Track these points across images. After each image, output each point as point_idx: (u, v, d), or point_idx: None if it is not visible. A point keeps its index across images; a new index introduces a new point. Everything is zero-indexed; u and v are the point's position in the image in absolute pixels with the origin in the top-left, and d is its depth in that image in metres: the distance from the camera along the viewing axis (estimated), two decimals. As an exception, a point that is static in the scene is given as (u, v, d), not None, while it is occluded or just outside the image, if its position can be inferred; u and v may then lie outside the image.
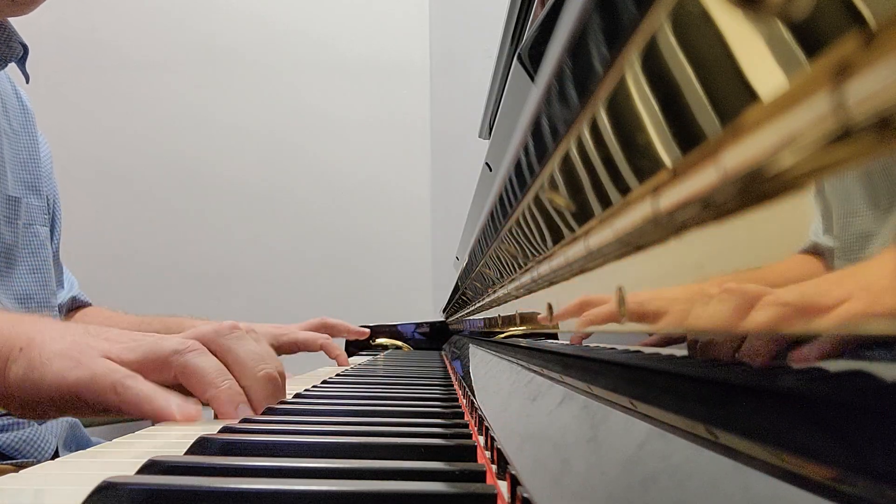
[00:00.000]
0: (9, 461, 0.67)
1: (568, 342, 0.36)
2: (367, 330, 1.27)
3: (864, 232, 0.11)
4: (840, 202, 0.11)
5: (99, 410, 0.48)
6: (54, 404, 0.47)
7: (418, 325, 1.55)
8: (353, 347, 1.44)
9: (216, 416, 0.48)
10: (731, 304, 0.16)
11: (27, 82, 0.91)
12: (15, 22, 0.82)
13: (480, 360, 0.69)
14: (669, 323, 0.19)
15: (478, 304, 0.85)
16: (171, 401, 0.45)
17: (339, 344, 1.11)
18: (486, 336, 0.79)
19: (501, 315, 0.62)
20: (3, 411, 0.70)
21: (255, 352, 0.50)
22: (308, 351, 1.08)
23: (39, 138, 0.91)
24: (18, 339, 0.48)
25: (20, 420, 0.70)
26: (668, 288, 0.19)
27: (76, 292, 1.04)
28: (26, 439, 0.68)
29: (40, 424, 0.73)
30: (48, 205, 0.91)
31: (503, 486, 0.26)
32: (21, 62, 0.87)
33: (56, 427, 0.75)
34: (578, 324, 0.30)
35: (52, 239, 0.95)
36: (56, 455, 0.72)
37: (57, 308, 0.92)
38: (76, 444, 0.80)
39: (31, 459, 0.68)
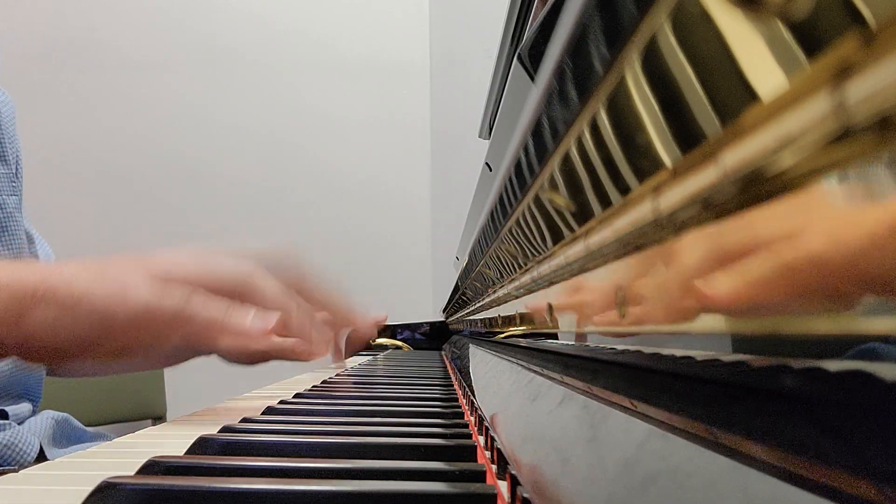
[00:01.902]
0: None
1: (568, 342, 0.36)
2: (385, 314, 1.18)
3: (863, 232, 0.11)
4: (840, 203, 0.11)
5: (156, 341, 0.43)
6: (99, 342, 0.43)
7: (418, 325, 1.55)
8: (353, 347, 1.43)
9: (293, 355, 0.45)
10: (732, 303, 0.16)
11: None
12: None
13: (480, 360, 0.69)
14: (669, 323, 0.19)
15: (478, 304, 0.85)
16: (244, 317, 0.42)
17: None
18: (486, 336, 0.79)
19: (501, 315, 0.62)
20: None
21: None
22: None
23: (2, 95, 0.80)
24: (32, 285, 0.42)
25: (2, 422, 0.66)
26: (668, 288, 0.19)
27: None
28: (7, 443, 0.63)
29: (20, 424, 0.69)
30: (14, 171, 0.80)
31: (503, 486, 0.26)
32: None
33: (39, 426, 0.71)
34: (577, 320, 0.30)
35: (19, 207, 0.83)
36: (41, 454, 0.68)
37: None
38: (66, 438, 0.77)
39: (11, 467, 0.64)
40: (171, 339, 0.43)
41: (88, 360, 0.45)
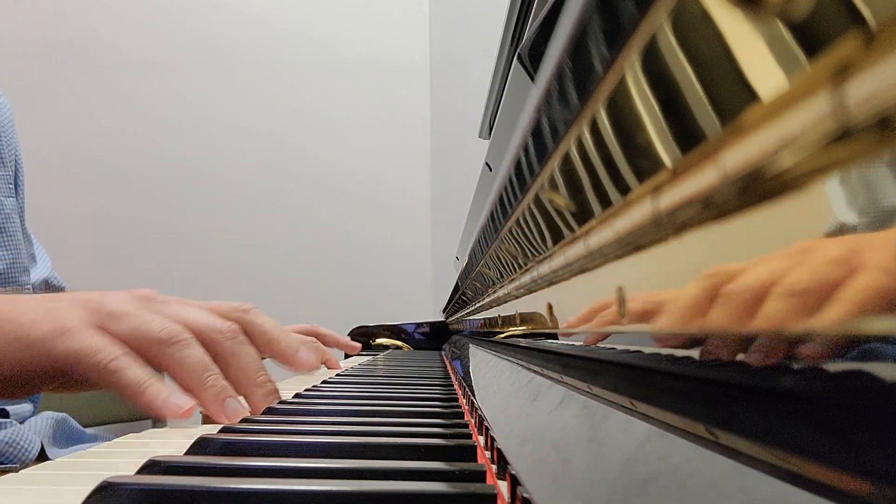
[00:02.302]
0: None
1: (568, 342, 0.36)
2: (359, 345, 1.22)
3: (864, 232, 0.11)
4: (840, 202, 0.11)
5: (84, 385, 0.45)
6: (42, 379, 0.44)
7: (418, 325, 1.55)
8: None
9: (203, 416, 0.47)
10: (731, 303, 0.16)
11: None
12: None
13: (480, 360, 0.69)
14: (669, 323, 0.19)
15: (478, 304, 0.85)
16: (161, 394, 0.43)
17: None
18: (486, 336, 0.79)
19: (501, 315, 0.62)
20: None
21: (256, 359, 0.49)
22: None
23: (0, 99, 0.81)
24: None
25: (1, 420, 0.67)
26: (668, 287, 0.19)
27: (49, 274, 0.93)
28: (8, 441, 0.65)
29: (21, 423, 0.70)
30: (12, 173, 0.81)
31: (503, 486, 0.26)
32: None
33: (39, 425, 0.72)
34: (579, 321, 0.30)
35: (17, 208, 0.84)
36: (42, 453, 0.69)
37: (30, 287, 0.83)
38: (66, 438, 0.77)
39: (13, 465, 0.65)
40: (91, 386, 0.44)
41: (56, 387, 0.46)
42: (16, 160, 0.82)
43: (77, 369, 0.43)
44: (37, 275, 0.89)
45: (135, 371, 0.43)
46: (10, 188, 0.79)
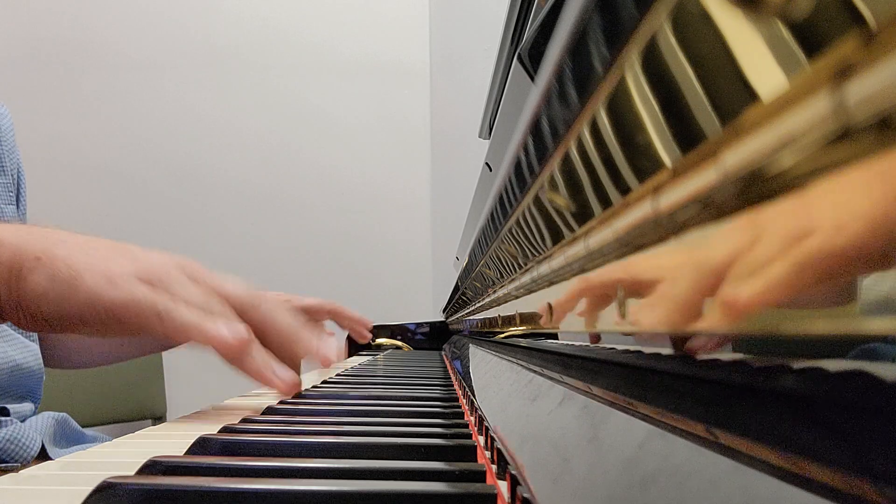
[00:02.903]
0: None
1: (568, 342, 0.36)
2: (369, 335, 1.24)
3: (864, 232, 0.11)
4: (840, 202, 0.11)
5: (135, 332, 0.46)
6: (81, 319, 0.45)
7: (418, 325, 1.55)
8: (353, 347, 1.44)
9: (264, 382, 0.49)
10: (731, 303, 0.16)
11: None
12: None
13: (480, 360, 0.69)
14: (669, 323, 0.19)
15: (478, 304, 0.85)
16: (219, 325, 0.45)
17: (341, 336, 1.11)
18: (487, 336, 0.79)
19: (501, 315, 0.62)
20: None
21: (290, 321, 0.52)
22: (315, 318, 1.06)
23: (0, 109, 0.82)
24: (33, 248, 0.45)
25: (3, 419, 0.68)
26: (668, 287, 0.19)
27: None
28: (10, 438, 0.65)
29: (22, 422, 0.71)
30: (14, 182, 0.82)
31: (503, 486, 0.26)
32: None
33: (41, 424, 0.72)
34: (577, 320, 0.30)
35: (18, 216, 0.85)
36: (43, 451, 0.70)
37: None
38: (66, 439, 0.78)
39: (15, 463, 0.65)
40: (147, 333, 0.46)
41: (76, 334, 0.47)
42: (18, 170, 0.83)
43: (131, 316, 0.45)
44: None
45: (189, 314, 0.45)
46: (10, 196, 0.80)
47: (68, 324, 0.46)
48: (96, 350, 0.82)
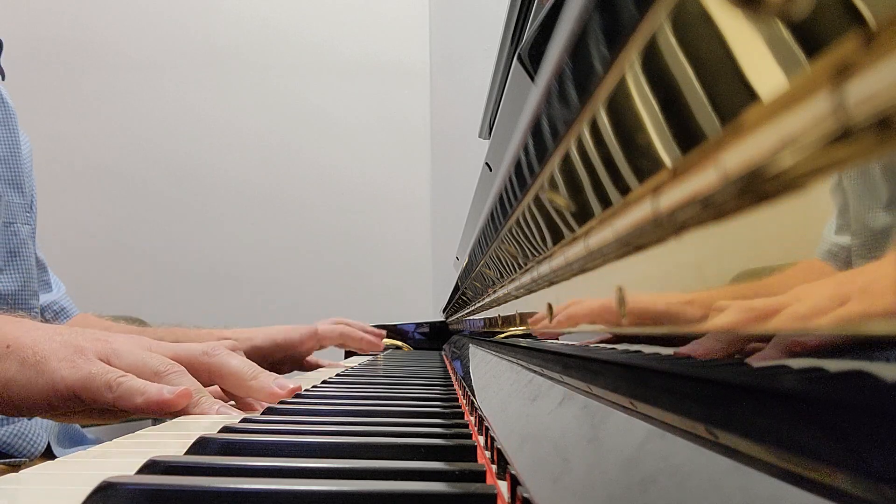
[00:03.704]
0: (2, 459, 0.67)
1: (568, 342, 0.36)
2: (381, 343, 1.23)
3: (866, 233, 0.11)
4: (841, 202, 0.11)
5: (93, 410, 0.50)
6: (48, 403, 0.48)
7: (418, 325, 1.55)
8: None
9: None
10: (731, 303, 0.16)
11: (3, 79, 0.88)
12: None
13: (480, 360, 0.69)
14: (669, 323, 0.19)
15: (478, 304, 0.85)
16: (162, 388, 0.48)
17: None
18: (486, 336, 0.79)
19: (501, 315, 0.62)
20: None
21: (245, 364, 0.55)
22: (329, 344, 1.08)
23: (21, 135, 0.88)
24: (4, 336, 0.49)
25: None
26: (668, 287, 0.19)
27: (61, 297, 0.99)
28: (17, 433, 0.68)
29: (29, 419, 0.72)
30: (30, 203, 0.88)
31: (503, 486, 0.26)
32: None
33: (47, 422, 0.75)
34: (577, 320, 0.30)
35: (31, 234, 0.91)
36: (49, 450, 0.72)
37: (39, 311, 0.89)
38: (69, 439, 0.80)
39: (23, 458, 0.68)
40: (100, 404, 0.49)
41: (60, 414, 0.51)
42: (32, 191, 0.89)
43: (86, 391, 0.48)
44: (48, 298, 0.94)
45: (137, 381, 0.48)
46: (27, 216, 0.86)
47: (35, 409, 0.49)
48: None
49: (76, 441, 0.81)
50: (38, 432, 0.70)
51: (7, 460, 0.67)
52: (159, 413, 0.48)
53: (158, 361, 0.51)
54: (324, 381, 0.69)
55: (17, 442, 0.67)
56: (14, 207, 0.84)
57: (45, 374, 0.48)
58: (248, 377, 0.54)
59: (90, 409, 0.50)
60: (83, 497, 0.23)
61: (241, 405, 0.55)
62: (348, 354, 1.40)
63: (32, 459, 0.69)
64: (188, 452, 0.31)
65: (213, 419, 0.47)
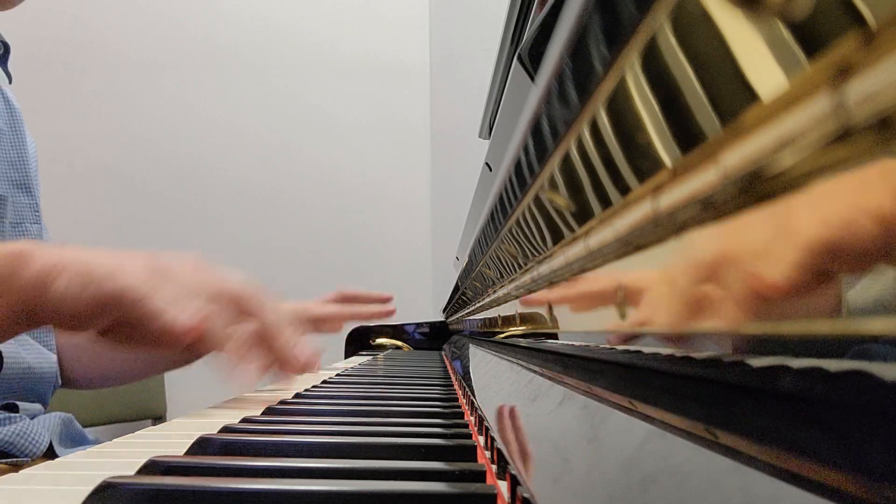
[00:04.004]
0: (3, 459, 0.67)
1: (568, 342, 0.36)
2: (391, 295, 1.18)
3: (862, 231, 0.11)
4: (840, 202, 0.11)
5: (123, 323, 0.53)
6: (91, 313, 0.52)
7: (418, 325, 1.55)
8: (354, 347, 1.44)
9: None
10: (731, 303, 0.16)
11: (10, 82, 0.90)
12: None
13: (480, 360, 0.69)
14: (669, 323, 0.19)
15: (478, 304, 0.85)
16: (178, 316, 0.51)
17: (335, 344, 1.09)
18: (486, 336, 0.79)
19: (501, 315, 0.62)
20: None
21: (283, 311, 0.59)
22: (330, 331, 1.03)
23: (28, 138, 0.89)
24: (60, 259, 0.52)
25: (12, 415, 0.71)
26: (668, 288, 0.19)
27: None
28: (19, 433, 0.69)
29: (32, 419, 0.73)
30: (38, 203, 0.90)
31: (503, 486, 0.26)
32: (2, 61, 0.86)
33: (49, 422, 0.76)
34: (577, 320, 0.30)
35: (40, 234, 0.94)
36: (50, 449, 0.72)
37: None
38: (71, 439, 0.81)
39: (25, 458, 0.68)
40: (125, 319, 0.52)
41: (100, 333, 0.54)
42: (37, 194, 0.91)
43: (120, 304, 0.51)
44: None
45: (159, 303, 0.52)
46: (36, 216, 0.88)
47: (85, 318, 0.52)
48: (111, 373, 0.90)
49: (78, 441, 0.82)
50: (41, 432, 0.71)
51: (9, 460, 0.68)
52: (176, 342, 0.52)
53: (193, 290, 0.54)
54: (324, 381, 0.69)
55: (20, 441, 0.68)
56: (23, 208, 0.86)
57: (91, 284, 0.51)
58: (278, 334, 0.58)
59: (130, 329, 0.53)
60: (83, 497, 0.23)
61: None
62: (348, 354, 1.41)
63: (34, 459, 0.69)
64: (188, 452, 0.31)
65: (213, 419, 0.47)
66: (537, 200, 0.34)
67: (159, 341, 0.53)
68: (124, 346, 0.56)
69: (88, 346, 0.88)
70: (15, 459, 0.67)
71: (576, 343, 0.34)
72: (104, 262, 0.53)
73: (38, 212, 0.89)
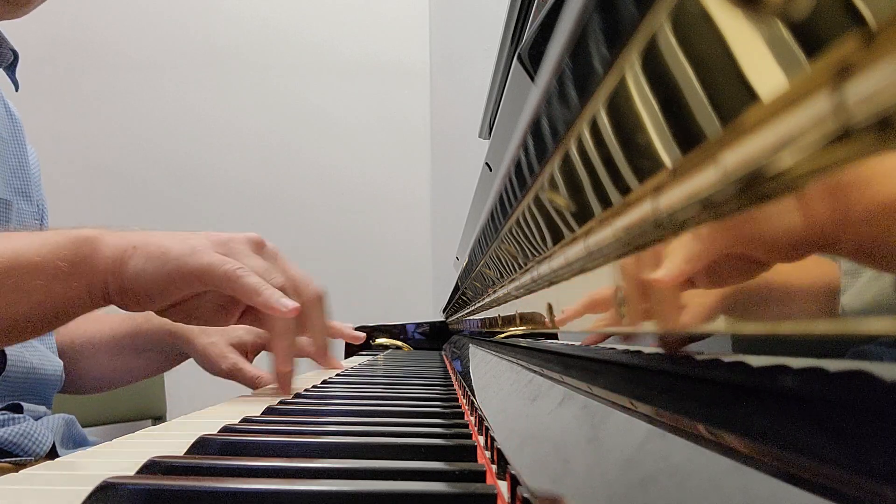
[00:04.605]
0: (6, 458, 0.68)
1: (568, 342, 0.36)
2: (363, 335, 1.21)
3: (862, 231, 0.11)
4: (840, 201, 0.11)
5: (208, 294, 0.57)
6: (174, 288, 0.56)
7: (418, 325, 1.55)
8: (353, 347, 1.43)
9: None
10: (731, 303, 0.16)
11: (16, 90, 0.90)
12: (11, 25, 0.82)
13: (480, 360, 0.69)
14: (669, 323, 0.19)
15: (478, 304, 0.85)
16: (275, 294, 0.56)
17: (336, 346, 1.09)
18: (486, 336, 0.79)
19: (501, 315, 0.62)
20: (3, 405, 0.71)
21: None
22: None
23: (28, 147, 0.91)
24: (130, 241, 0.56)
25: (16, 416, 0.72)
26: (668, 288, 0.19)
27: None
28: (23, 433, 0.70)
29: (36, 420, 0.74)
30: (39, 211, 0.92)
31: (503, 486, 0.26)
32: (10, 70, 0.87)
33: (52, 423, 0.76)
34: (577, 320, 0.30)
35: None
36: (53, 451, 0.73)
37: None
38: (73, 441, 0.81)
39: (28, 458, 0.69)
40: (221, 290, 0.56)
41: (162, 309, 0.58)
42: (42, 203, 0.94)
43: (207, 278, 0.55)
44: None
45: (254, 278, 0.56)
46: (36, 222, 0.90)
47: (164, 294, 0.56)
48: (109, 375, 0.93)
49: (79, 443, 0.82)
50: (44, 433, 0.72)
51: (11, 459, 0.68)
52: (269, 308, 0.55)
53: (266, 269, 0.58)
54: (324, 381, 0.69)
55: (23, 442, 0.69)
56: (24, 215, 0.87)
57: (170, 262, 0.55)
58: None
59: (208, 302, 0.58)
60: (83, 497, 0.23)
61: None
62: (348, 354, 1.40)
63: (37, 459, 0.70)
64: (188, 452, 0.31)
65: (213, 419, 0.47)
66: (537, 200, 0.34)
67: (239, 308, 0.58)
68: (188, 320, 0.60)
69: (88, 348, 0.89)
70: (17, 459, 0.68)
71: (576, 343, 0.34)
72: (173, 241, 0.56)
73: (37, 219, 0.90)
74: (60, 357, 0.85)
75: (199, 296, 0.57)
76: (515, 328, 0.54)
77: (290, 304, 0.56)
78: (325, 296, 0.65)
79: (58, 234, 0.55)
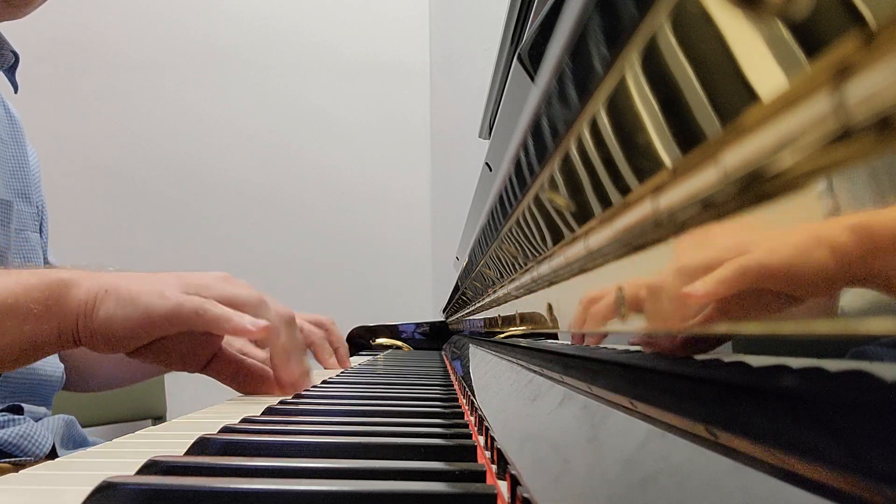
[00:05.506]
0: (6, 459, 0.68)
1: (568, 342, 0.36)
2: (349, 363, 1.18)
3: (861, 232, 0.11)
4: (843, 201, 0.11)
5: (182, 335, 0.58)
6: (143, 332, 0.56)
7: (418, 325, 1.55)
8: (353, 347, 1.44)
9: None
10: (731, 303, 0.16)
11: (16, 92, 0.90)
12: (11, 25, 0.83)
13: (480, 360, 0.69)
14: (669, 323, 0.19)
15: (478, 304, 0.85)
16: (244, 318, 0.57)
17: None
18: (486, 336, 0.79)
19: (501, 315, 0.62)
20: (3, 406, 0.71)
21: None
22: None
23: (28, 149, 0.92)
24: (102, 285, 0.56)
25: (16, 417, 0.72)
26: (668, 288, 0.19)
27: None
28: (24, 434, 0.70)
29: (36, 421, 0.74)
30: (38, 212, 0.93)
31: (503, 486, 0.26)
32: (11, 71, 0.87)
33: (52, 424, 0.76)
34: (579, 318, 0.30)
35: (41, 242, 0.96)
36: (53, 452, 0.73)
37: None
38: (73, 442, 0.82)
39: (28, 458, 0.69)
40: (192, 329, 0.57)
41: (132, 351, 0.58)
42: (41, 203, 0.94)
43: (176, 319, 0.56)
44: None
45: (220, 308, 0.57)
46: (35, 224, 0.90)
47: (133, 338, 0.57)
48: (111, 374, 0.94)
49: (79, 444, 0.82)
50: (44, 434, 0.72)
51: (11, 460, 0.68)
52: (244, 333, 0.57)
53: (247, 293, 0.60)
54: (324, 382, 0.69)
55: (23, 443, 0.69)
56: (24, 216, 0.87)
57: (140, 307, 0.55)
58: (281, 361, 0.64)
59: (178, 345, 0.58)
60: (83, 497, 0.23)
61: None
62: (349, 354, 1.40)
63: (37, 460, 0.70)
64: (188, 452, 0.31)
65: (213, 419, 0.47)
66: (537, 200, 0.34)
67: (207, 353, 0.59)
68: (158, 363, 0.60)
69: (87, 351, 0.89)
70: (17, 459, 0.68)
71: (576, 343, 0.34)
72: (143, 285, 0.57)
73: (37, 221, 0.90)
74: (67, 356, 0.85)
75: (168, 338, 0.58)
76: (515, 328, 0.54)
77: (260, 322, 0.58)
78: (293, 318, 0.64)
79: (33, 274, 0.56)
